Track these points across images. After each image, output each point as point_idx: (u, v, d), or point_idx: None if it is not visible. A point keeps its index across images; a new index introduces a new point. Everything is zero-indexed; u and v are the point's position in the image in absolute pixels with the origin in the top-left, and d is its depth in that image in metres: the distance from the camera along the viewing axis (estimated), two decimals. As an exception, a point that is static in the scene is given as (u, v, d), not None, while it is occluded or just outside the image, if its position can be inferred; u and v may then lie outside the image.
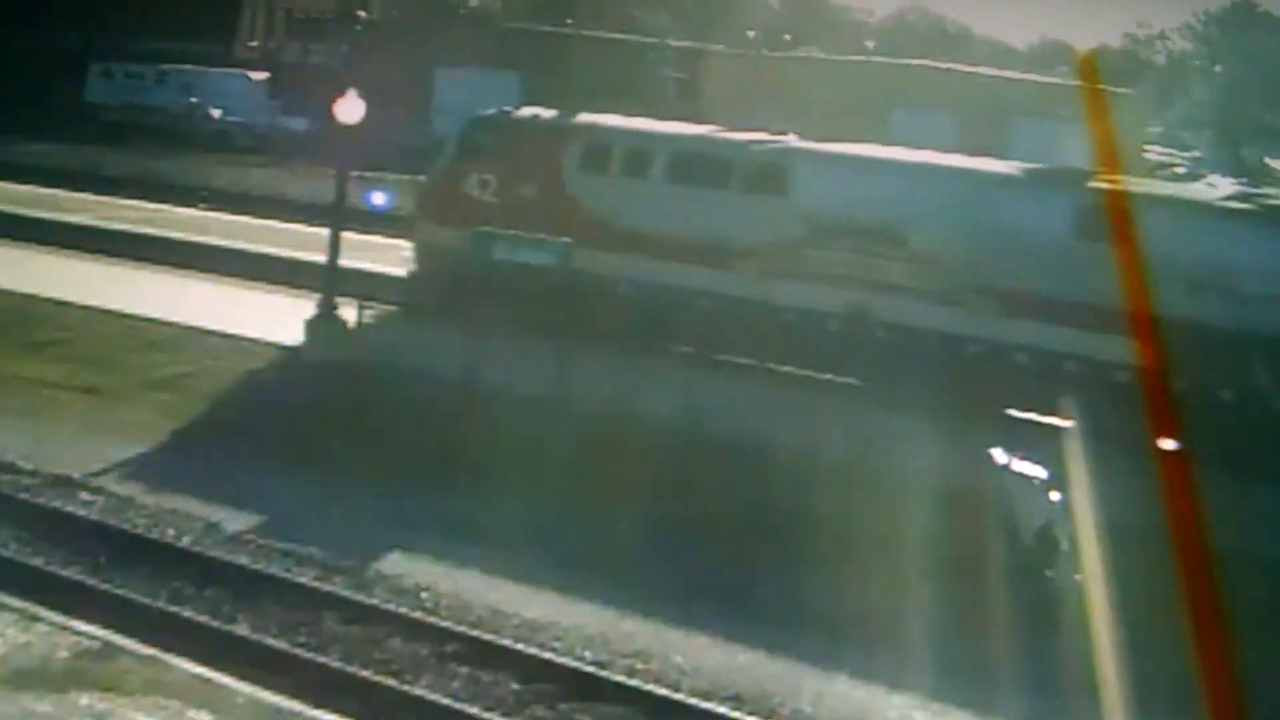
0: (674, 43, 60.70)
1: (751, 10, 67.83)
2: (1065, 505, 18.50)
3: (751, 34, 63.30)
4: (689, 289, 27.15)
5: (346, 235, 27.74)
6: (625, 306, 27.56)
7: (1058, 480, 18.72)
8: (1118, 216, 23.90)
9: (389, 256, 32.90)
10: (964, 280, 25.02)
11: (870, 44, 67.19)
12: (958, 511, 19.37)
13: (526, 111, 31.67)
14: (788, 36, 64.58)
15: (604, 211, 28.13)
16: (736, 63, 56.02)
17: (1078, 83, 53.42)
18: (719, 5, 67.84)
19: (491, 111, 31.57)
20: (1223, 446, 21.70)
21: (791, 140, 28.58)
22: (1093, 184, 25.49)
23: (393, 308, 29.74)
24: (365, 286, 29.62)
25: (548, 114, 31.09)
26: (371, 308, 27.94)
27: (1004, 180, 26.12)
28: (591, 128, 30.01)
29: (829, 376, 26.10)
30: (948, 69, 54.34)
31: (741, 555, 19.16)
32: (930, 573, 18.01)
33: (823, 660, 16.46)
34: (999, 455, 18.99)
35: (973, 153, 30.36)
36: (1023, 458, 18.82)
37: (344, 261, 27.71)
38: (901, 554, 18.40)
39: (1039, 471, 18.61)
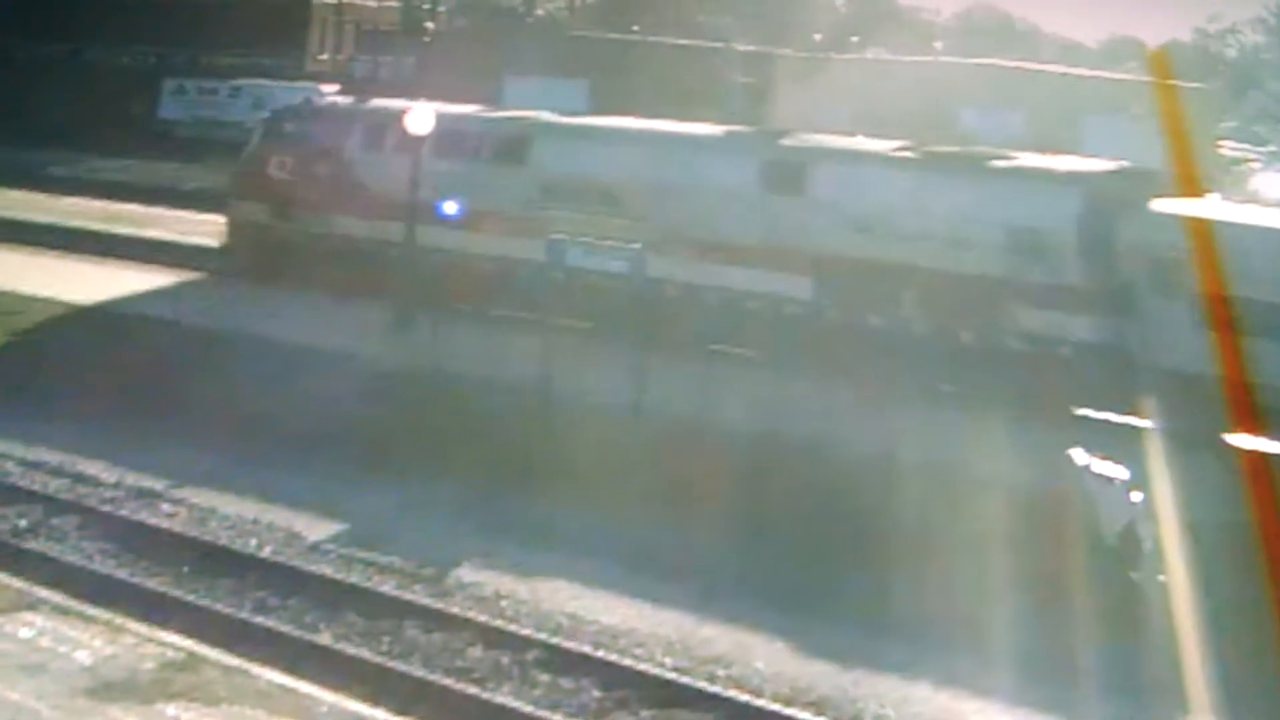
0: (740, 47, 60.59)
1: (817, 12, 67.68)
2: (1147, 505, 18.31)
3: (818, 36, 63.26)
4: (447, 249, 30.14)
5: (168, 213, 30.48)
6: (394, 268, 30.21)
7: (1139, 480, 18.54)
8: (790, 171, 27.61)
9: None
10: (666, 232, 27.66)
11: (938, 44, 67.02)
12: (1042, 513, 19.18)
13: (325, 101, 36.59)
14: (854, 38, 64.39)
15: (379, 185, 31.58)
16: (803, 65, 55.84)
17: (1148, 79, 52.94)
18: (785, 8, 67.72)
19: (295, 102, 36.29)
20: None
21: (537, 116, 32.31)
22: (780, 143, 29.19)
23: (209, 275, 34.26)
24: (182, 256, 35.88)
25: (343, 101, 35.98)
26: (441, 319, 28.03)
27: (700, 142, 29.62)
28: (371, 111, 34.07)
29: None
30: (1017, 67, 53.94)
31: (820, 558, 19.08)
32: (1011, 576, 17.87)
33: (905, 665, 16.38)
34: (1079, 456, 18.82)
35: (1045, 151, 30.18)
36: (1103, 458, 18.66)
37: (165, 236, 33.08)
38: (984, 557, 18.24)
39: (1120, 472, 18.43)
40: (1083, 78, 54.67)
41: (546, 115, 32.37)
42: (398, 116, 31.43)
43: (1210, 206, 25.95)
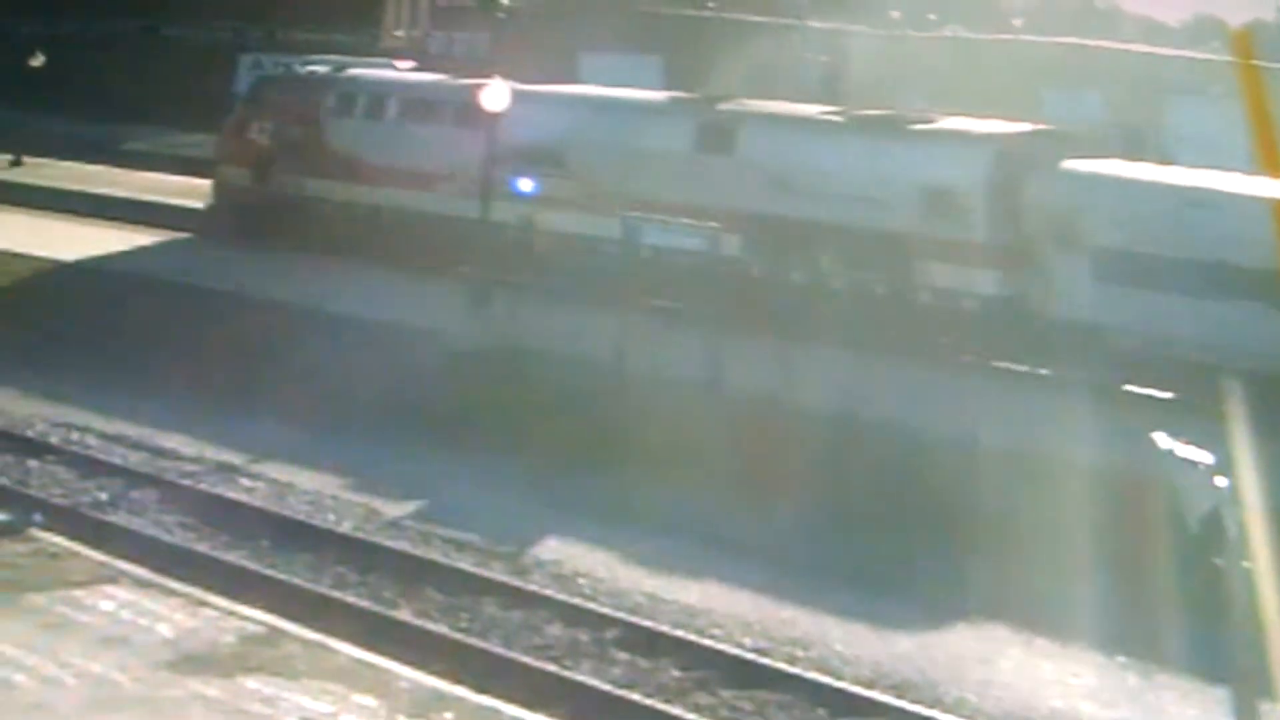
0: (816, 24, 60.19)
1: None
2: (1233, 490, 18.04)
3: (895, 14, 62.66)
4: (403, 209, 32.27)
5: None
6: (360, 227, 32.76)
7: (1223, 465, 18.27)
8: (721, 133, 28.87)
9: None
10: (607, 192, 28.63)
11: (1017, 22, 66.24)
12: (1123, 497, 18.97)
13: (303, 69, 37.90)
14: (932, 16, 63.70)
15: (348, 148, 33.81)
16: (880, 44, 55.41)
17: (1231, 59, 52.20)
18: (861, -14, 67.25)
19: (276, 70, 38.46)
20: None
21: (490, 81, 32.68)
22: (717, 107, 30.28)
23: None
24: (168, 217, 37.53)
25: (320, 69, 37.37)
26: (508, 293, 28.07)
27: (641, 107, 30.87)
28: (343, 79, 36.15)
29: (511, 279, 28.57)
30: (1098, 47, 53.26)
31: (900, 541, 18.96)
32: (1094, 560, 17.69)
33: (986, 648, 16.26)
34: (1162, 440, 18.58)
35: (1126, 133, 30.09)
36: (1187, 442, 18.41)
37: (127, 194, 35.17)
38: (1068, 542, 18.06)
39: (1205, 456, 18.17)
40: (1165, 57, 53.91)
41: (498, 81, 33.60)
42: (368, 84, 35.02)
43: (1123, 166, 26.64)
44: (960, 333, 25.96)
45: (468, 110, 31.56)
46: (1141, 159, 30.11)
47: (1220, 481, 17.93)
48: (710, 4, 64.63)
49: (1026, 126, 28.47)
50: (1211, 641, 16.24)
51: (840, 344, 25.03)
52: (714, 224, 26.34)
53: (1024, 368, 25.02)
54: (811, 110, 30.08)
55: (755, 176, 27.97)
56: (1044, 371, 24.74)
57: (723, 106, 30.53)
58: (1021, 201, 25.68)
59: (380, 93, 34.80)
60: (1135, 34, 63.16)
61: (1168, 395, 23.73)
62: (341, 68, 37.71)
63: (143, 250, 34.70)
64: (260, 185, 35.41)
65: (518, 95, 30.97)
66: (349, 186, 33.54)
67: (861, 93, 45.35)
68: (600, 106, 31.66)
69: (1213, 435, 18.68)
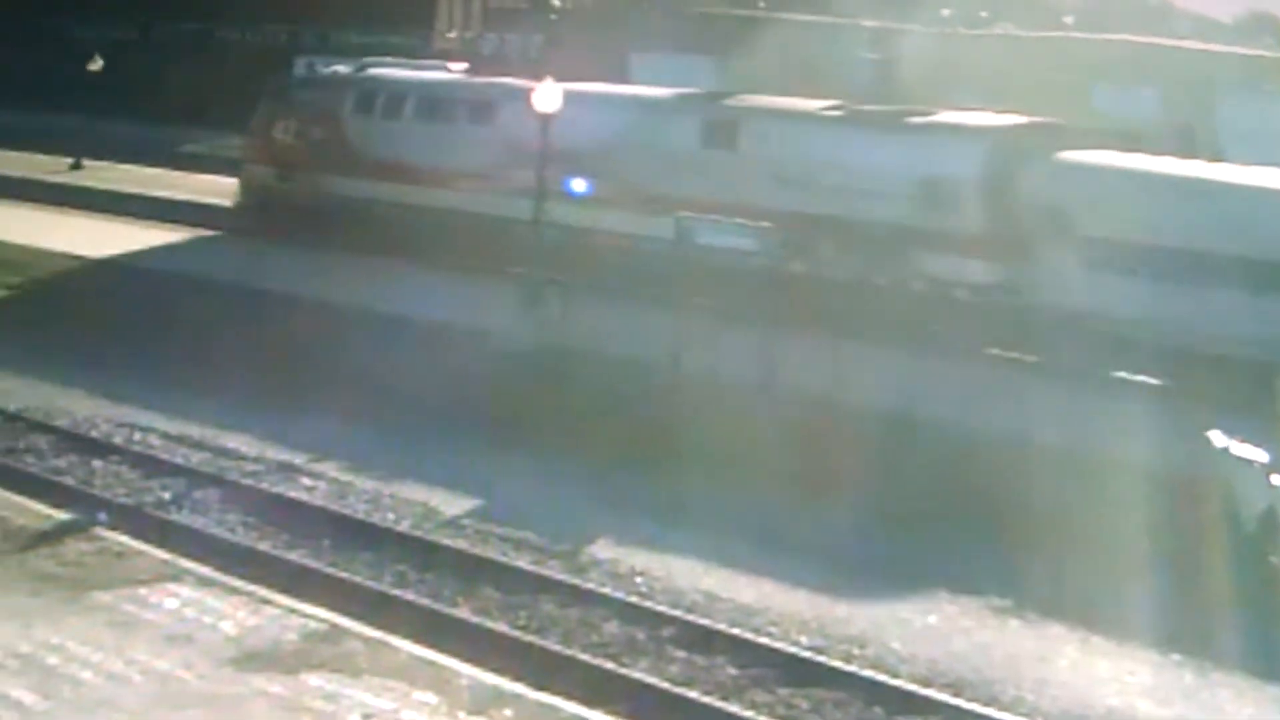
0: (868, 23, 60.06)
1: (946, -12, 66.93)
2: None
3: (946, 12, 62.55)
4: (424, 206, 33.11)
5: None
6: (379, 224, 33.48)
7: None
8: (724, 129, 29.76)
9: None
10: (622, 188, 29.60)
11: (1069, 19, 66.00)
12: (1178, 495, 18.96)
13: (326, 69, 38.75)
14: (984, 13, 63.55)
15: (369, 146, 34.89)
16: (932, 41, 55.27)
17: (1285, 54, 51.85)
18: (913, -16, 67.11)
19: (298, 70, 39.31)
20: None
21: (502, 80, 35.08)
22: (721, 103, 31.25)
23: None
24: (200, 216, 38.52)
25: (342, 69, 38.10)
26: (562, 292, 28.23)
27: (650, 104, 31.55)
28: (363, 79, 37.04)
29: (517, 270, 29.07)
30: (1150, 43, 53.01)
31: (955, 539, 19.00)
32: (1149, 558, 17.70)
33: (1042, 647, 16.28)
34: (1218, 438, 18.58)
35: (1179, 128, 30.23)
36: (1242, 440, 18.40)
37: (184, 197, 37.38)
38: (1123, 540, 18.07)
39: (1260, 455, 18.16)
40: (1217, 54, 53.59)
41: (509, 81, 34.78)
42: (385, 84, 35.80)
43: (1116, 157, 27.03)
44: (961, 321, 26.41)
45: (482, 109, 33.26)
46: (1194, 156, 30.08)
47: (1277, 479, 17.96)
48: (761, 3, 64.63)
49: (1022, 119, 28.94)
50: (1267, 639, 16.28)
51: (850, 336, 25.23)
52: (766, 224, 26.47)
53: (1073, 366, 24.96)
54: (813, 105, 30.65)
55: (756, 171, 28.70)
56: (1094, 370, 24.73)
57: (727, 103, 31.38)
58: (1014, 192, 26.19)
59: (398, 92, 35.65)
60: (1187, 30, 62.86)
61: (1156, 382, 24.23)
62: (363, 68, 38.48)
63: (197, 250, 35.07)
64: (284, 183, 36.41)
65: (529, 95, 31.83)
66: (369, 184, 34.37)
67: (913, 91, 45.30)
68: (610, 104, 32.31)
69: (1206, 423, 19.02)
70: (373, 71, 37.75)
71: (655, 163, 29.85)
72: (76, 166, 49.50)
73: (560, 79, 29.73)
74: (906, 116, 29.09)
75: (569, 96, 31.94)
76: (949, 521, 19.42)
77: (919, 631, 16.56)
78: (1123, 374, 24.58)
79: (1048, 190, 25.96)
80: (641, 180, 29.93)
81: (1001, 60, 50.41)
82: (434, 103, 34.62)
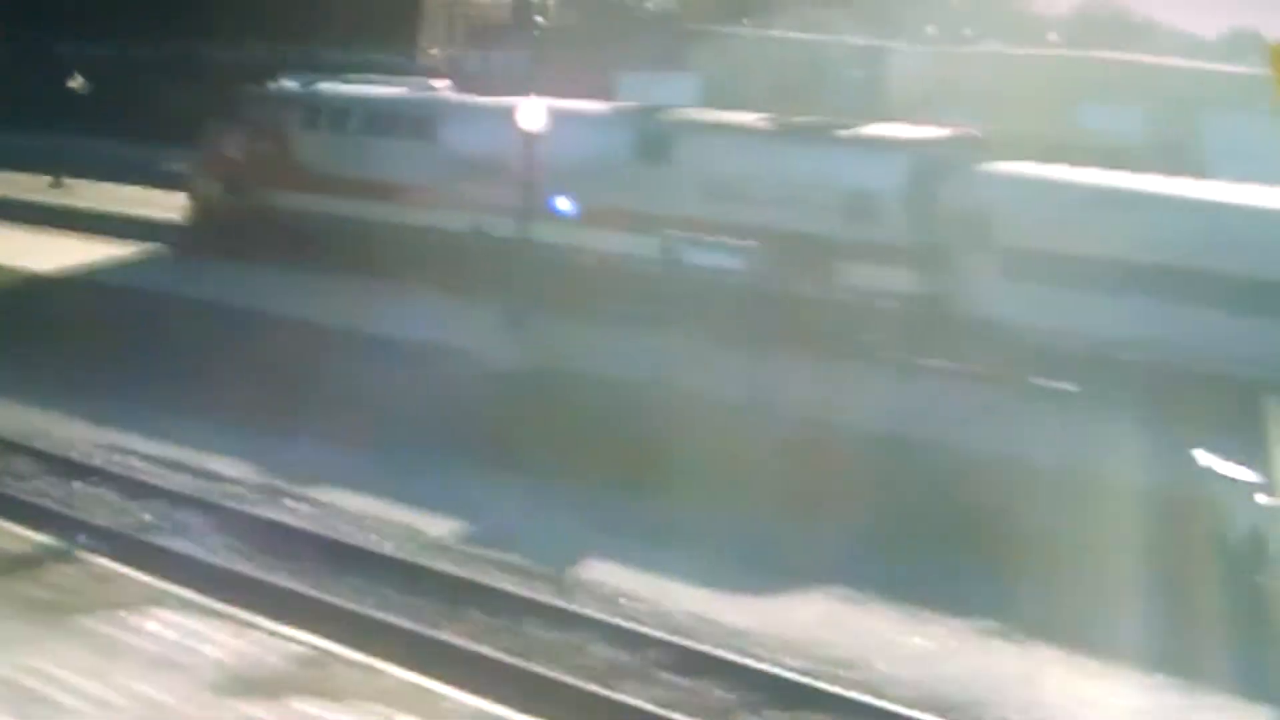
0: (853, 40, 60.19)
1: (930, 6, 67.09)
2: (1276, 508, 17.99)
3: (931, 29, 62.76)
4: (365, 220, 33.65)
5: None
6: (322, 237, 34.04)
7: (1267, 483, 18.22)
8: (657, 142, 30.38)
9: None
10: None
11: (1053, 37, 66.29)
12: (1165, 516, 18.93)
13: (275, 85, 38.72)
14: (968, 31, 63.77)
15: (313, 160, 35.41)
16: (918, 59, 55.38)
17: (1269, 72, 51.87)
18: (897, 2, 67.27)
19: (248, 87, 39.28)
20: None
21: (441, 95, 36.04)
22: (655, 117, 32.15)
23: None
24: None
25: (289, 84, 38.43)
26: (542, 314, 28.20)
27: (586, 118, 32.11)
28: (308, 94, 37.41)
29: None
30: (1134, 61, 53.16)
31: (944, 561, 18.96)
32: (1136, 578, 17.66)
33: (1029, 669, 16.24)
34: (1202, 457, 18.55)
35: (1164, 147, 30.26)
36: (1226, 459, 18.38)
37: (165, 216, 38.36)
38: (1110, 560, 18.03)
39: (1247, 474, 18.12)
40: (1202, 71, 53.76)
41: (450, 95, 36.11)
42: (331, 99, 36.48)
43: (1035, 168, 27.55)
44: (884, 332, 26.87)
45: (424, 123, 33.96)
46: (1180, 173, 30.13)
47: (1262, 499, 17.93)
48: (747, 21, 64.73)
49: (945, 132, 29.65)
50: (1254, 659, 16.24)
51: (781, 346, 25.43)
52: (752, 241, 26.51)
53: (1064, 387, 25.08)
54: (745, 119, 31.39)
55: (688, 183, 29.29)
56: (1071, 389, 24.93)
57: (661, 117, 32.31)
58: (934, 204, 26.69)
59: (343, 107, 36.26)
60: (1172, 48, 63.09)
61: (1070, 388, 24.77)
62: (310, 83, 38.82)
63: (178, 269, 34.96)
64: (231, 198, 36.82)
65: (467, 110, 33.93)
66: (313, 198, 34.97)
67: (900, 108, 45.36)
68: (552, 119, 32.69)
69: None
70: (319, 87, 38.37)
71: (592, 176, 30.26)
72: (56, 185, 49.35)
73: (545, 96, 29.85)
74: (832, 129, 29.83)
75: (499, 111, 32.66)
76: (938, 542, 19.37)
77: (907, 653, 16.53)
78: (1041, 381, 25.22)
79: (965, 202, 26.49)
80: (580, 193, 30.56)
81: (988, 78, 50.49)
82: (378, 117, 35.32)
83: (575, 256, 30.38)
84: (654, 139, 30.71)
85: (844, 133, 29.32)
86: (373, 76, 40.57)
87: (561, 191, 29.44)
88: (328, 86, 38.14)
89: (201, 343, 28.23)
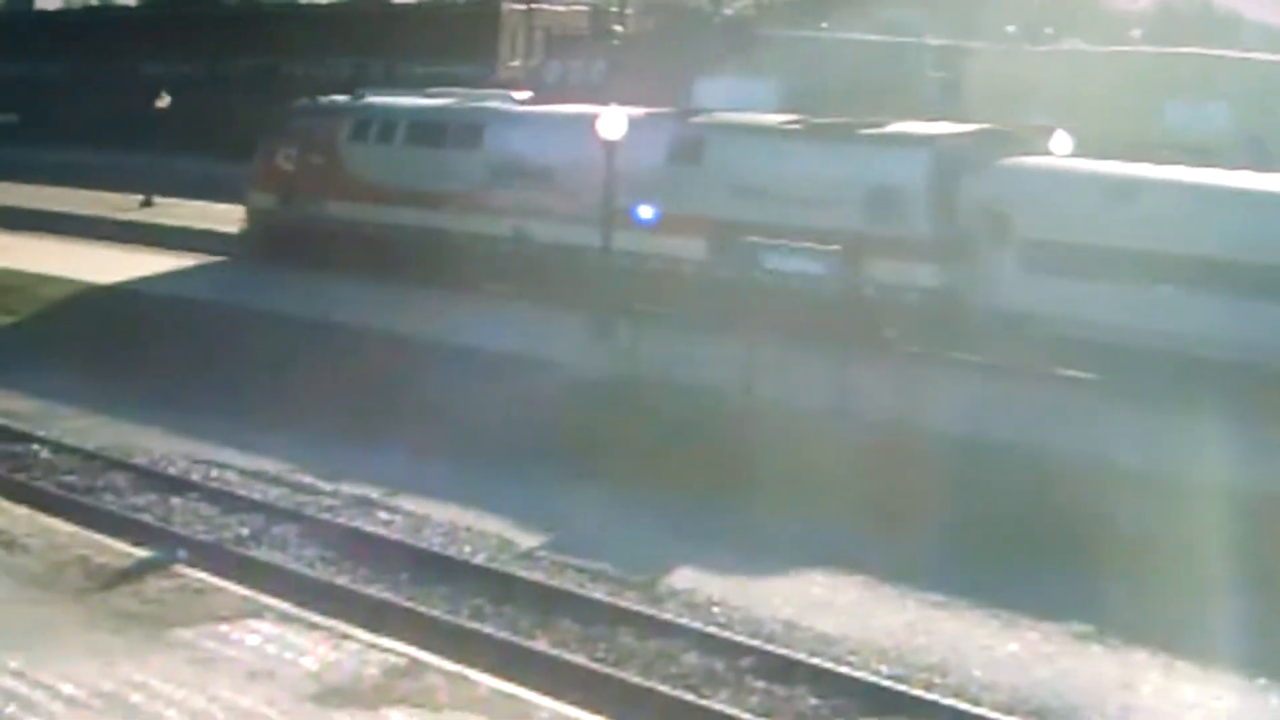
0: (932, 41, 59.93)
1: (1010, 5, 66.65)
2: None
3: (1011, 29, 62.37)
4: (413, 227, 34.75)
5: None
6: (372, 245, 35.17)
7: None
8: (690, 145, 30.93)
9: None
10: (594, 205, 29.73)
11: (1136, 33, 65.65)
12: (1258, 515, 18.74)
13: (326, 99, 40.20)
14: (1049, 29, 63.28)
15: (363, 171, 36.38)
16: (998, 59, 55.09)
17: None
18: (977, 1, 66.91)
19: (301, 101, 40.74)
20: None
21: (490, 104, 36.80)
22: (689, 120, 32.63)
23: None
24: (208, 242, 40.51)
25: (339, 98, 39.85)
26: (639, 322, 28.26)
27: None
28: (358, 107, 38.71)
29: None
30: (1220, 56, 52.63)
31: (1035, 565, 18.84)
32: (1231, 580, 17.50)
33: (1125, 673, 16.11)
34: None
35: (1250, 141, 29.96)
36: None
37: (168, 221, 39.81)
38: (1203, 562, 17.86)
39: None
40: (1288, 64, 53.11)
41: (496, 104, 36.91)
42: (380, 111, 37.56)
43: (1056, 161, 28.11)
44: (910, 326, 27.38)
45: (470, 132, 34.77)
46: (1266, 168, 29.83)
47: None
48: (823, 24, 64.56)
49: (970, 127, 30.22)
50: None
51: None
52: (836, 246, 26.49)
53: (1146, 389, 24.65)
54: (773, 120, 32.48)
55: (720, 185, 30.00)
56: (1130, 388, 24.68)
57: (693, 120, 32.95)
58: (958, 198, 27.12)
59: (391, 118, 37.18)
60: (1257, 42, 62.39)
61: (1091, 376, 25.23)
62: (360, 96, 39.99)
63: (264, 285, 35.27)
64: (284, 209, 37.86)
65: (507, 118, 34.98)
66: (362, 207, 36.00)
67: (981, 108, 45.15)
68: (581, 124, 33.21)
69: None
70: (368, 100, 39.48)
71: (624, 178, 30.36)
72: (147, 204, 49.99)
73: (623, 105, 30.01)
74: (858, 128, 30.22)
75: (537, 119, 34.91)
76: (1028, 546, 19.24)
77: (1000, 659, 16.43)
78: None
79: (988, 196, 26.82)
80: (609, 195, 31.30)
81: (1069, 77, 50.16)
82: (426, 127, 36.17)
83: (649, 264, 30.55)
84: (685, 142, 31.23)
85: (869, 131, 29.84)
86: (454, 90, 40.92)
87: (594, 194, 29.71)
88: (378, 99, 39.41)
89: (285, 356, 28.51)
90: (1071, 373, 25.84)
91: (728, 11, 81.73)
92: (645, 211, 30.67)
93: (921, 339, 27.42)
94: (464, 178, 34.30)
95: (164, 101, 51.92)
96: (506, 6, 73.15)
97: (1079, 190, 26.39)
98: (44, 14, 78.45)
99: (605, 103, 30.69)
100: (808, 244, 26.75)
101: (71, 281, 35.66)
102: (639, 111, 33.71)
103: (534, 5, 73.87)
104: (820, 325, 25.56)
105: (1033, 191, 26.71)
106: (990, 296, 26.35)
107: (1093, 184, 26.46)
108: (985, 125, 30.50)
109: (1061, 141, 29.16)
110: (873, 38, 60.54)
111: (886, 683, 15.60)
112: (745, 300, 25.83)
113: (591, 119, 30.12)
